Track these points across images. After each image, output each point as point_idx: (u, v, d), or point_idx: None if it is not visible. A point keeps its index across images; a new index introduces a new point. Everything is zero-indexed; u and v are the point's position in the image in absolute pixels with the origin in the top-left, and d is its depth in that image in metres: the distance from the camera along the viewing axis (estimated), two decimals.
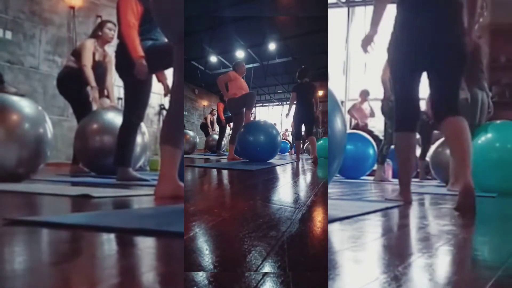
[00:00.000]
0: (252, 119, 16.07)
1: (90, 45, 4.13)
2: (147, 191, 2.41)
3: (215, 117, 12.90)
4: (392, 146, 5.29)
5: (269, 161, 5.23)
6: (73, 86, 4.10)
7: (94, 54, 4.16)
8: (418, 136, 3.92)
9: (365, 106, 7.49)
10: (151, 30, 3.17)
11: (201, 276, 0.72)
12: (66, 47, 4.30)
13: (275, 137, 5.28)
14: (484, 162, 3.46)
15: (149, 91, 3.32)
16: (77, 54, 4.12)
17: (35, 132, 2.84)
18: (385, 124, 5.17)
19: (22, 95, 3.00)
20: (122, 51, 3.10)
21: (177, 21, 2.05)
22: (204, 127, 12.60)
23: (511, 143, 3.50)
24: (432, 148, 4.91)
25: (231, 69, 6.49)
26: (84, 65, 4.00)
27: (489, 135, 3.57)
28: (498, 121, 3.76)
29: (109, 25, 4.32)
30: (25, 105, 2.86)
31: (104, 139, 3.83)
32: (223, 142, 10.23)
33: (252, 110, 6.50)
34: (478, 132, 3.63)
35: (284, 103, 24.43)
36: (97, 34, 4.27)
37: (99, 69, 4.14)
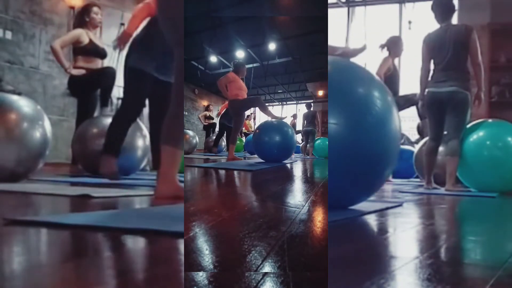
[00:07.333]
0: (252, 119, 15.85)
1: (84, 35, 4.01)
2: (147, 191, 2.41)
3: (211, 113, 12.88)
4: None
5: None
6: (84, 86, 4.06)
7: (91, 42, 4.07)
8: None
9: None
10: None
11: (201, 276, 0.72)
12: (66, 47, 4.26)
13: (291, 137, 5.34)
14: (484, 162, 3.45)
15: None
16: (79, 51, 4.08)
17: (34, 131, 2.82)
18: None
19: (19, 93, 2.97)
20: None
21: (180, 23, 2.06)
22: (207, 128, 12.57)
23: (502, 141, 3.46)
24: (416, 147, 4.77)
25: (231, 69, 6.50)
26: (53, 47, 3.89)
27: (489, 134, 3.54)
28: (490, 120, 3.72)
29: (95, 9, 4.16)
30: (24, 104, 2.84)
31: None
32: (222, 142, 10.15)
33: (252, 110, 6.69)
34: (474, 130, 3.56)
35: (284, 103, 24.40)
36: (84, 21, 4.10)
37: (103, 77, 4.03)
